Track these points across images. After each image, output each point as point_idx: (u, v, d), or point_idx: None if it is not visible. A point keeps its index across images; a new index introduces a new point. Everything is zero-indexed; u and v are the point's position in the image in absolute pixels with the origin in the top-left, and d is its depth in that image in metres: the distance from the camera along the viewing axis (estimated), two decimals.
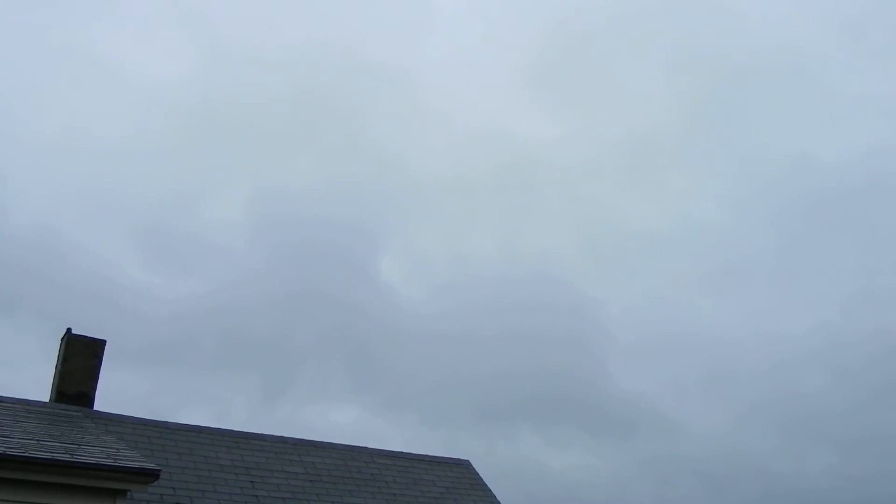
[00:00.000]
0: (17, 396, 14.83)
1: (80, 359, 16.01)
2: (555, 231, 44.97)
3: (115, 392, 17.08)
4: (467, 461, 19.24)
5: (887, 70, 44.30)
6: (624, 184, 46.11)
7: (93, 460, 11.08)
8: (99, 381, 15.99)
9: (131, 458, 11.66)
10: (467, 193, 45.39)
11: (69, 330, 16.16)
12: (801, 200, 42.86)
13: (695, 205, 45.04)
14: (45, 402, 15.45)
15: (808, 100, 44.76)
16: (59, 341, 16.21)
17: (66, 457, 10.95)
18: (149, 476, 11.35)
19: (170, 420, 16.66)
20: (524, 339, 39.61)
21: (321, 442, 17.81)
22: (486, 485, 18.49)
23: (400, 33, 45.34)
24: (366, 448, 18.18)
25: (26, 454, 10.62)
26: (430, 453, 19.01)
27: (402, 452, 18.57)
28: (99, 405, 15.98)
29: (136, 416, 16.16)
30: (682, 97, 45.05)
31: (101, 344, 16.26)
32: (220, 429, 16.89)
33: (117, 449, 12.10)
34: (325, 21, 44.51)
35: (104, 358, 16.15)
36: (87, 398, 15.83)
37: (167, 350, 34.94)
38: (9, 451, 10.48)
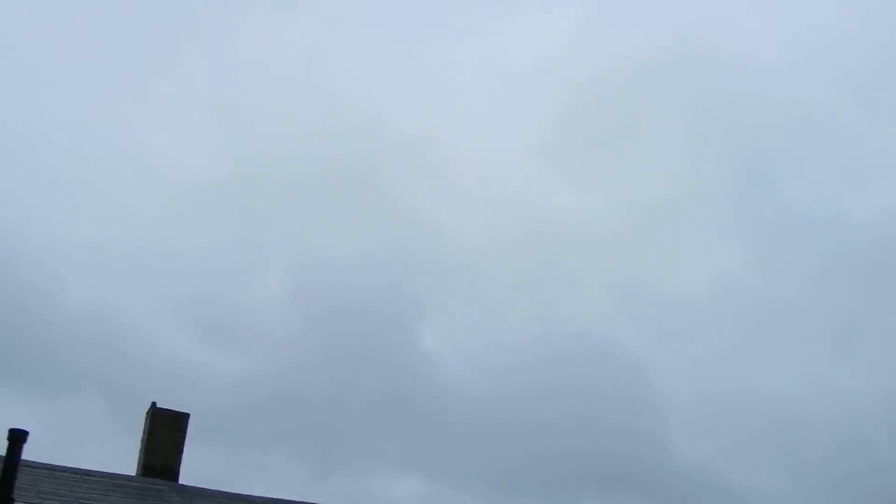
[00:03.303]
0: (104, 470, 14.97)
1: (165, 432, 16.13)
2: (592, 302, 44.68)
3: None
4: None
5: None
6: (652, 249, 45.98)
7: None
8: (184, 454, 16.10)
9: None
10: (497, 262, 45.55)
11: (154, 404, 16.32)
12: (835, 257, 42.43)
13: (725, 265, 44.69)
14: (132, 476, 15.53)
15: (830, 155, 44.74)
16: (145, 415, 16.34)
17: None
18: None
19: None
20: (575, 417, 39.05)
21: None
22: None
23: (415, 102, 46.44)
24: None
25: None
26: None
27: None
28: (183, 479, 16.02)
29: (221, 489, 16.12)
30: (702, 161, 44.99)
31: (184, 417, 16.38)
32: (300, 502, 16.75)
33: None
34: (342, 94, 45.77)
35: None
36: (172, 472, 15.88)
37: (222, 422, 34.93)
38: None
